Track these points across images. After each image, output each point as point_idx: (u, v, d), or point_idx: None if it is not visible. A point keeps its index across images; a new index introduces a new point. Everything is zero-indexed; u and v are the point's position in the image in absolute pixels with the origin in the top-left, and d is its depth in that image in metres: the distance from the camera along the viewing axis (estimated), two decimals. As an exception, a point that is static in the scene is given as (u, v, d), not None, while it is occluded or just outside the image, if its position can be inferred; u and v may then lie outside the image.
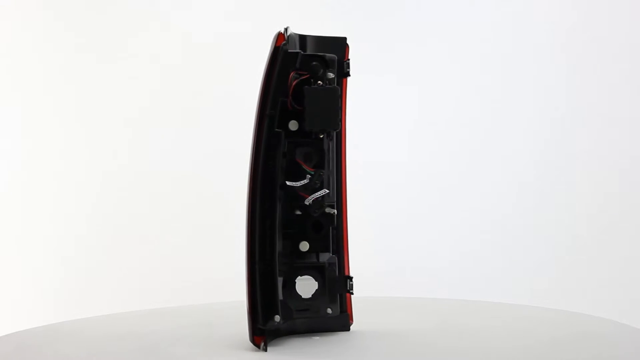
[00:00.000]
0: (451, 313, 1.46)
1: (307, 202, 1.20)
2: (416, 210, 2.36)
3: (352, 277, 1.26)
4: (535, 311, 1.50)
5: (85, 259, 2.41)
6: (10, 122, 2.45)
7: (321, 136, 1.22)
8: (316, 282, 1.22)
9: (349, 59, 1.25)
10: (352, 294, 1.26)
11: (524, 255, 2.32)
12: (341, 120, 1.22)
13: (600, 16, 2.33)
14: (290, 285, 1.23)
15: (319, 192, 1.20)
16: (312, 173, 1.20)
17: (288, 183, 1.19)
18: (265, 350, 1.17)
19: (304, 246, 1.23)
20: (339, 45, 1.25)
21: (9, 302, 2.42)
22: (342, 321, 1.28)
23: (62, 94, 2.44)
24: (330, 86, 1.20)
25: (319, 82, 1.21)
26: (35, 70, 2.45)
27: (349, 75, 1.26)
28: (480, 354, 1.14)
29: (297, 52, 1.21)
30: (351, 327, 1.29)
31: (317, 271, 1.22)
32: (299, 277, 1.22)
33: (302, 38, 1.25)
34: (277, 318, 1.18)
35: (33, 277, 2.42)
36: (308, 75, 1.22)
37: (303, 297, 1.22)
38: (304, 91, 1.19)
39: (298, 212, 1.23)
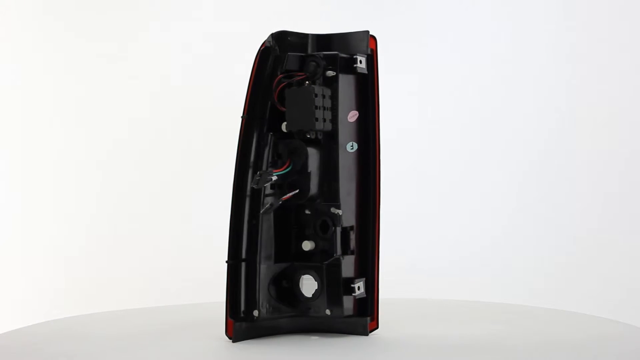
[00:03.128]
0: (456, 315, 1.46)
1: (279, 202, 1.20)
2: (415, 211, 2.36)
3: (358, 279, 1.22)
4: (536, 312, 1.50)
5: (84, 259, 2.41)
6: (11, 121, 2.45)
7: (308, 136, 1.21)
8: (316, 282, 1.22)
9: (355, 55, 1.21)
10: (355, 296, 1.21)
11: (524, 255, 2.32)
12: (322, 120, 1.19)
13: (601, 16, 2.33)
14: (289, 284, 1.23)
15: (291, 193, 1.20)
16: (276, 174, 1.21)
17: (251, 185, 1.20)
18: (233, 341, 1.19)
19: (306, 245, 1.23)
20: (359, 40, 1.23)
21: (9, 301, 2.42)
22: (358, 325, 1.24)
23: (63, 94, 2.44)
24: (304, 86, 1.19)
25: (307, 82, 1.20)
26: (36, 70, 2.44)
27: (357, 71, 1.21)
28: (485, 355, 1.14)
29: (285, 55, 1.21)
30: (376, 332, 1.24)
31: (316, 271, 1.22)
32: (302, 276, 1.22)
33: (319, 37, 1.24)
34: (256, 313, 1.20)
35: (34, 276, 2.42)
36: (304, 76, 1.21)
37: (305, 295, 1.22)
38: (285, 93, 1.20)
39: (307, 212, 1.23)
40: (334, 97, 1.20)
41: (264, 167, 1.21)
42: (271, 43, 1.21)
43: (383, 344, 1.20)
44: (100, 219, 2.42)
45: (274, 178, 1.20)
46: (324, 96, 1.19)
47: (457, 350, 1.16)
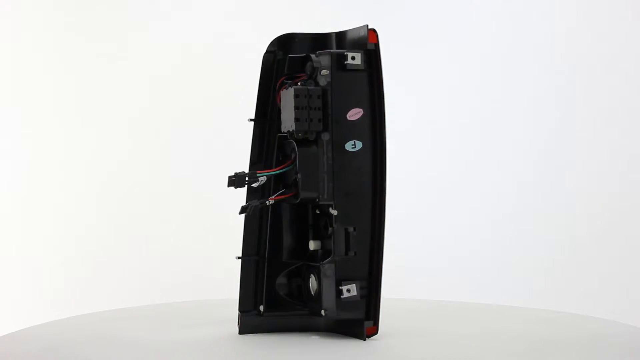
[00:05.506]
0: (455, 316, 1.46)
1: (268, 202, 1.21)
2: (415, 210, 2.36)
3: (347, 282, 1.19)
4: (535, 312, 1.50)
5: (85, 259, 2.41)
6: (11, 122, 2.45)
7: (300, 135, 1.19)
8: (316, 282, 1.22)
9: (346, 52, 1.18)
10: (342, 299, 1.18)
11: (523, 255, 2.32)
12: (308, 120, 1.18)
13: (601, 15, 2.33)
14: (300, 282, 1.25)
15: (279, 192, 1.21)
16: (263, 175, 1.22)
17: (227, 186, 1.22)
18: (239, 333, 1.24)
19: (311, 245, 1.23)
20: (358, 36, 1.21)
21: (9, 301, 2.42)
22: (357, 328, 1.21)
23: (63, 95, 2.44)
24: (290, 88, 1.19)
25: (299, 83, 1.21)
26: (36, 71, 2.45)
27: (348, 68, 1.18)
28: (485, 356, 1.14)
29: (284, 58, 1.22)
30: (374, 337, 1.21)
31: (316, 271, 1.22)
32: (311, 275, 1.23)
33: (321, 37, 1.24)
34: (262, 308, 1.24)
35: (34, 276, 2.42)
36: (304, 77, 1.21)
37: (311, 295, 1.23)
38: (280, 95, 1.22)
39: (317, 212, 1.24)
40: (325, 96, 1.19)
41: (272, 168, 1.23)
42: (274, 47, 1.22)
43: (380, 346, 1.19)
44: (100, 219, 2.43)
45: (262, 179, 1.20)
46: (310, 96, 1.18)
47: (457, 351, 1.16)
